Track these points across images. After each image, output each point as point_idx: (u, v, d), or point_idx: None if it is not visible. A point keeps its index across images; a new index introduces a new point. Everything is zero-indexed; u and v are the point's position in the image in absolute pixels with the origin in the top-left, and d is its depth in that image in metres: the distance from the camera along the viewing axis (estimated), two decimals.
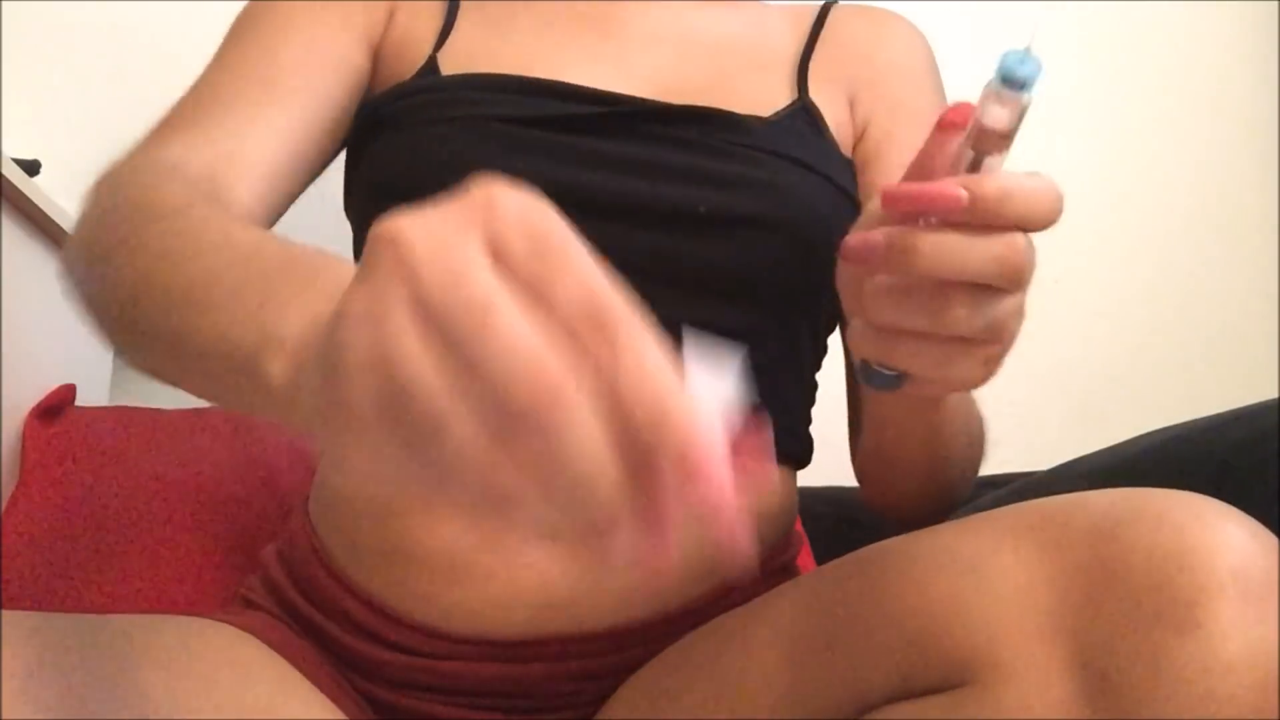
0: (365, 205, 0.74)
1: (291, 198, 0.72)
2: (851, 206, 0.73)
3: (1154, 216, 1.54)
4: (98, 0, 1.35)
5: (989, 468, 1.03)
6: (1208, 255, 1.54)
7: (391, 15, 0.78)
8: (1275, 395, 0.67)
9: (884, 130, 0.78)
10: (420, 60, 0.75)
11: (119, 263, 0.53)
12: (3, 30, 1.30)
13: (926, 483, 0.67)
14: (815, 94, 0.77)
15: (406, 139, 0.71)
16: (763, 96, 0.75)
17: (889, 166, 0.76)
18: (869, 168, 0.77)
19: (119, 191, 0.60)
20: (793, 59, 0.79)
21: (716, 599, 0.66)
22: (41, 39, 1.33)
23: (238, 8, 1.35)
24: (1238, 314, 1.53)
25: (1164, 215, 1.55)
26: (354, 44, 0.76)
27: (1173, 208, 1.55)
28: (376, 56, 0.78)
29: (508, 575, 0.62)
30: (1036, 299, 1.72)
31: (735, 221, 0.67)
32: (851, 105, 0.79)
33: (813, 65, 0.79)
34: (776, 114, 0.74)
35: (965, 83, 1.56)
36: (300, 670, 0.64)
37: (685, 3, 0.81)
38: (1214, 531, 0.42)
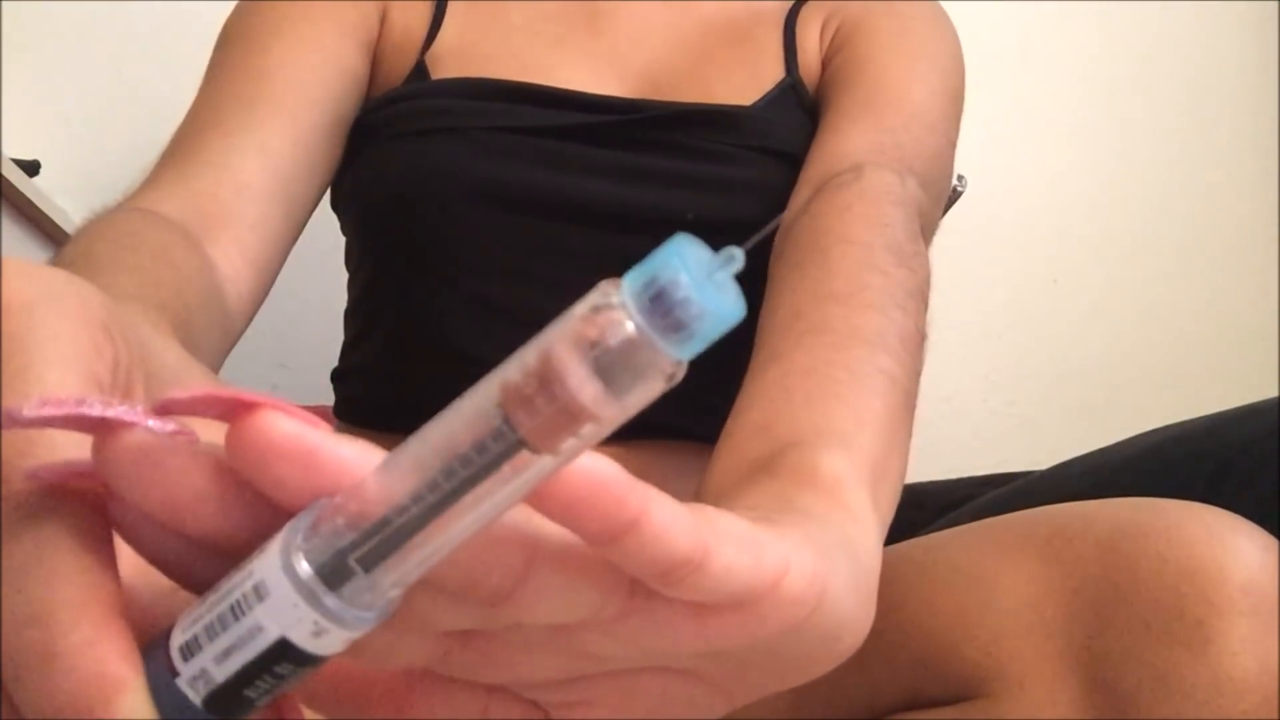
0: (356, 212, 0.74)
1: (304, 209, 0.70)
2: None
3: (1154, 216, 1.54)
4: (98, 0, 1.35)
5: (988, 467, 1.03)
6: (1208, 255, 1.54)
7: (385, 15, 0.76)
8: (1275, 395, 0.67)
9: (852, 25, 0.74)
10: (410, 62, 0.74)
11: None
12: (3, 30, 1.30)
13: None
14: (802, 53, 0.76)
15: (395, 148, 0.70)
16: (752, 77, 0.74)
17: (850, 55, 0.73)
18: (831, 64, 0.74)
19: (78, 245, 0.57)
20: (780, 22, 0.77)
21: None
22: (41, 39, 1.33)
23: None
24: (1238, 314, 1.53)
25: (1164, 215, 1.55)
26: (347, 44, 0.72)
27: (1173, 208, 1.55)
28: (373, 58, 0.75)
29: None
30: (1037, 299, 1.72)
31: (722, 227, 0.67)
32: (822, 28, 0.76)
33: (800, 21, 0.77)
34: (765, 96, 0.73)
35: (965, 80, 1.55)
36: None
37: None
38: (1224, 546, 0.42)
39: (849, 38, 0.74)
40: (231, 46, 0.72)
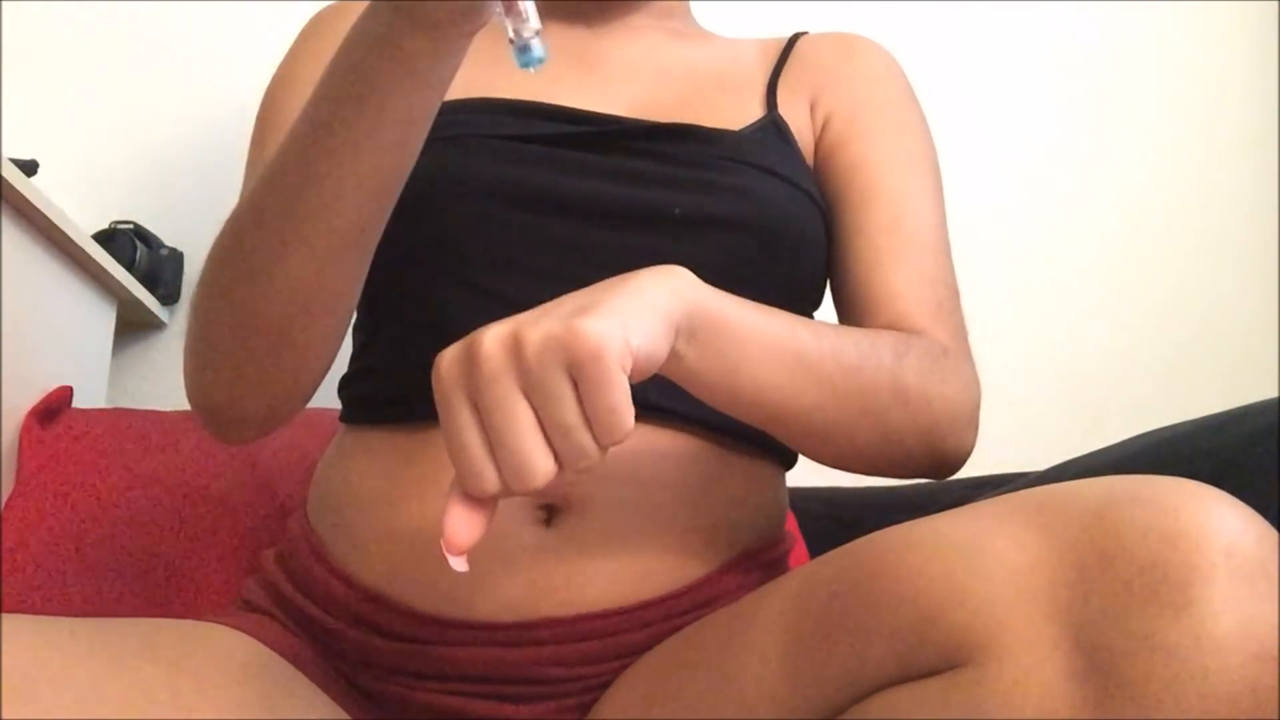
0: None
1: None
2: (814, 208, 0.77)
3: (1154, 216, 1.54)
4: (97, 1, 1.35)
5: (988, 467, 1.03)
6: (1208, 255, 1.54)
7: None
8: (1275, 395, 0.66)
9: (847, 119, 0.81)
10: None
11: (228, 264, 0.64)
12: (2, 30, 1.30)
13: (806, 426, 0.64)
14: (784, 109, 0.81)
15: None
16: (735, 113, 0.79)
17: (852, 149, 0.79)
18: (833, 157, 0.80)
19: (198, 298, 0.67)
20: (763, 82, 0.83)
21: (706, 582, 0.67)
22: (41, 39, 1.33)
23: (234, 10, 1.35)
24: (1238, 314, 1.53)
25: (1164, 215, 1.55)
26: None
27: (1173, 208, 1.55)
28: None
29: (501, 557, 0.64)
30: (1036, 299, 1.72)
31: (707, 222, 0.71)
32: (812, 107, 0.82)
33: (781, 84, 0.83)
34: (747, 127, 0.78)
35: (966, 81, 1.56)
36: (299, 668, 0.65)
37: (661, 38, 0.86)
38: (1207, 513, 0.43)
39: (845, 136, 0.80)
40: (272, 122, 0.78)
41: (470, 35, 0.56)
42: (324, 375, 0.67)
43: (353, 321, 0.80)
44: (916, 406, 0.65)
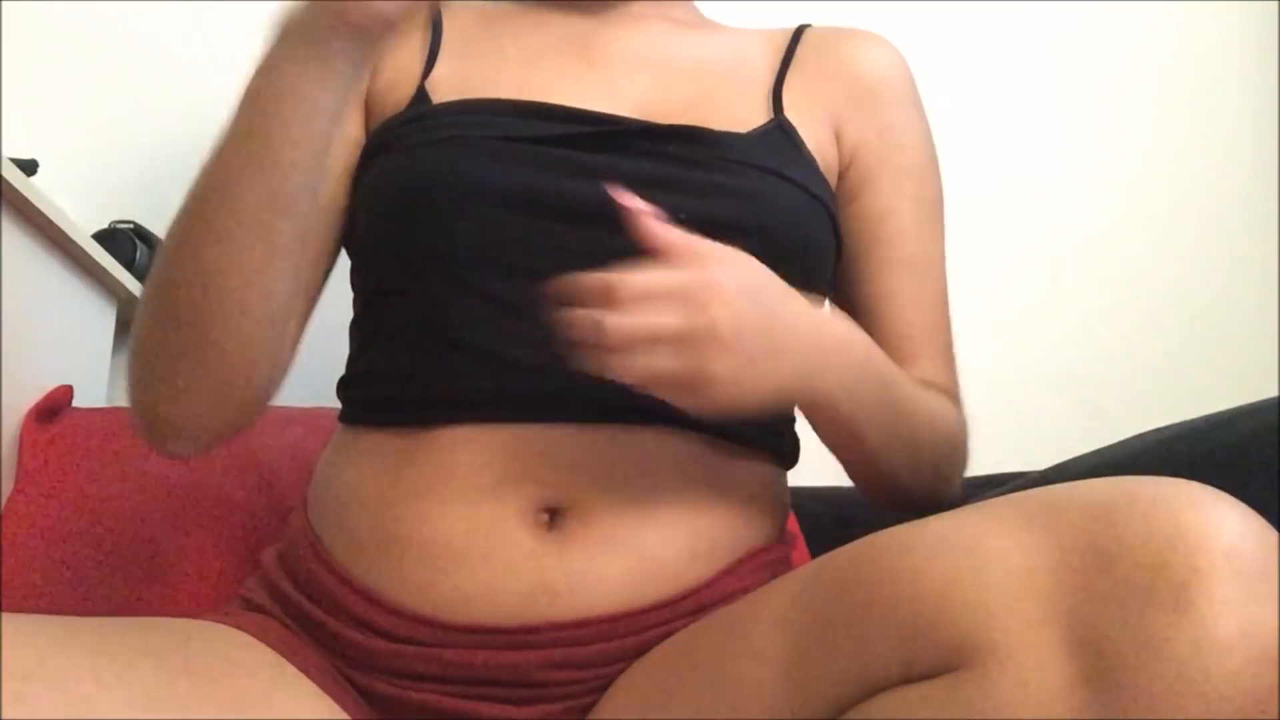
0: (367, 216, 0.75)
1: (323, 269, 0.78)
2: (824, 212, 0.76)
3: (1154, 216, 1.54)
4: (97, 1, 1.35)
5: (988, 467, 1.03)
6: (1208, 255, 1.54)
7: (376, 63, 0.80)
8: (1275, 395, 0.66)
9: (875, 154, 0.82)
10: (407, 93, 0.78)
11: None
12: (2, 30, 1.30)
13: (889, 483, 0.73)
14: (791, 113, 0.80)
15: (399, 160, 0.74)
16: (740, 115, 0.78)
17: (882, 191, 0.81)
18: (865, 190, 0.81)
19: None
20: (768, 81, 0.82)
21: (709, 585, 0.67)
22: (41, 39, 1.33)
23: (235, 9, 1.35)
24: (1238, 314, 1.53)
25: (1163, 215, 1.55)
26: (352, 112, 0.79)
27: (1173, 207, 1.55)
28: (365, 104, 0.80)
29: (502, 560, 0.64)
30: (1037, 298, 1.72)
31: (713, 227, 0.70)
32: (838, 132, 0.82)
33: (787, 86, 0.82)
34: (753, 130, 0.78)
35: (966, 81, 1.55)
36: (298, 667, 0.65)
37: (664, 29, 0.84)
38: (1208, 514, 0.43)
39: (873, 174, 0.82)
40: None
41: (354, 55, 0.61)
42: (260, 388, 0.67)
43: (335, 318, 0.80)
44: (959, 458, 0.77)
